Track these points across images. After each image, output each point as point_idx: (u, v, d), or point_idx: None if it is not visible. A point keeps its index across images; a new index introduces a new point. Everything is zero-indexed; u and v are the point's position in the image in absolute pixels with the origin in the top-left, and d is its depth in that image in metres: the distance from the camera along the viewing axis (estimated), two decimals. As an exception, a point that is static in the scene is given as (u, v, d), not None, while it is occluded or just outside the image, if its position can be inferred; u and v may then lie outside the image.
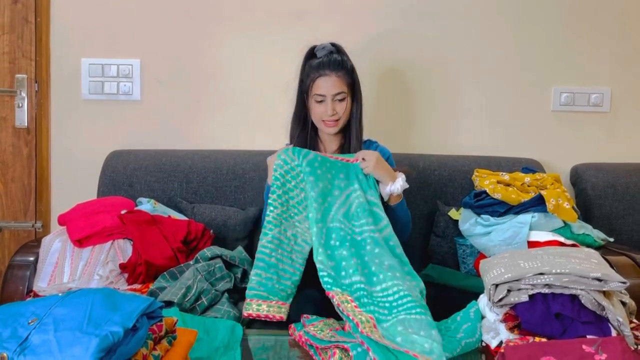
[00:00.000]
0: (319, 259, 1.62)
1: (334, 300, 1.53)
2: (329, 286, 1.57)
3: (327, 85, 1.83)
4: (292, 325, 1.55)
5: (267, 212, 1.73)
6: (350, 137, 1.91)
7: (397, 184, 1.77)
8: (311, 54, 1.90)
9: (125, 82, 2.45)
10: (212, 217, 2.17)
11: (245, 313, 1.60)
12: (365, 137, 1.97)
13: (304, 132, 1.92)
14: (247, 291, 1.64)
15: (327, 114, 1.84)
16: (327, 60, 1.85)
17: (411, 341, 1.37)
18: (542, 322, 1.34)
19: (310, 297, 1.74)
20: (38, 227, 2.49)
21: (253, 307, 1.60)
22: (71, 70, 2.45)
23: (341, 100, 1.85)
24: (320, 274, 1.60)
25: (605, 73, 2.47)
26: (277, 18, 2.44)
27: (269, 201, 1.74)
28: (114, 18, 2.44)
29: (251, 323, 1.72)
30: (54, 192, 2.50)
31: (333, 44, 1.90)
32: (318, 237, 1.66)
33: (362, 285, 1.56)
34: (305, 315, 1.58)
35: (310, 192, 1.72)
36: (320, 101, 1.85)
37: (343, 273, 1.61)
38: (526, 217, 1.93)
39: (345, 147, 1.93)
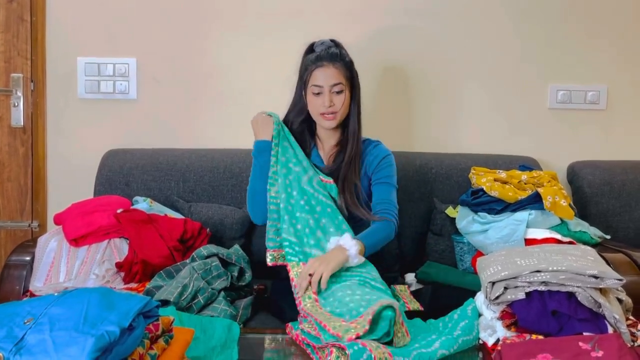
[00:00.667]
0: (284, 226, 1.77)
1: (290, 274, 1.69)
2: (289, 257, 1.76)
3: (325, 75, 1.82)
4: (289, 324, 1.55)
5: (271, 164, 1.83)
6: (348, 133, 1.90)
7: (352, 261, 1.68)
8: (310, 49, 1.91)
9: (121, 81, 2.45)
10: (208, 216, 2.17)
11: (270, 263, 1.79)
12: (365, 135, 1.95)
13: (301, 124, 1.92)
14: (267, 242, 1.81)
15: (324, 105, 1.82)
16: (325, 53, 1.85)
17: (345, 304, 1.45)
18: (539, 320, 1.34)
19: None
20: (34, 226, 2.48)
21: (276, 257, 1.80)
22: (67, 69, 2.44)
23: (339, 92, 1.83)
24: (283, 243, 1.77)
25: (601, 71, 2.48)
26: (275, 17, 2.43)
27: (271, 156, 1.85)
28: (110, 17, 2.43)
29: (248, 322, 1.72)
30: (50, 191, 2.50)
31: (332, 40, 1.90)
32: (286, 202, 1.80)
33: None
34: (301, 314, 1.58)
35: (280, 157, 1.85)
36: (318, 93, 1.84)
37: (305, 240, 1.76)
38: (523, 215, 1.93)
39: (343, 143, 1.92)
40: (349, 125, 1.90)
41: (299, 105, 1.92)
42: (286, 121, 1.94)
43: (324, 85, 1.83)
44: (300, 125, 1.93)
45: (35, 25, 2.42)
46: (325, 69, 1.83)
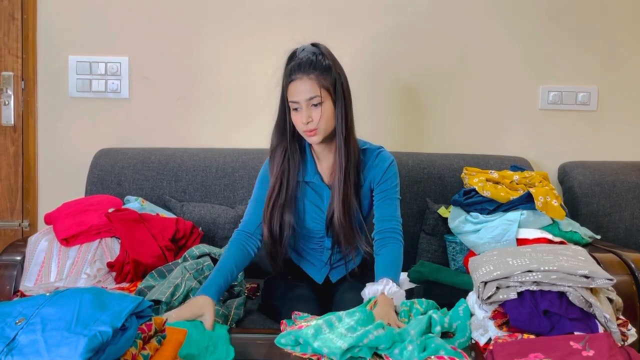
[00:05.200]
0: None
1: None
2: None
3: (299, 90, 1.64)
4: (284, 321, 1.55)
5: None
6: (339, 145, 1.70)
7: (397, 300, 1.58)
8: (292, 57, 1.72)
9: (113, 80, 2.43)
10: (201, 216, 2.16)
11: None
12: (365, 139, 1.82)
13: (289, 146, 1.74)
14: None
15: (303, 122, 1.65)
16: (299, 62, 1.66)
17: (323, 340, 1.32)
18: (530, 319, 1.35)
19: (301, 296, 1.74)
20: (25, 226, 2.46)
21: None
22: (58, 67, 2.43)
23: (316, 105, 1.64)
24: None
25: (592, 72, 2.49)
26: (267, 15, 2.43)
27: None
28: (102, 15, 2.42)
29: (240, 321, 1.72)
30: (41, 190, 2.48)
31: (313, 44, 1.72)
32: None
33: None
34: (296, 312, 1.58)
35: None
36: (296, 109, 1.66)
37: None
38: (515, 215, 1.94)
39: (340, 156, 1.73)
40: (338, 137, 1.70)
41: (280, 124, 1.74)
42: (272, 145, 1.76)
43: (300, 101, 1.64)
44: (286, 142, 1.73)
45: (26, 23, 2.40)
46: (299, 82, 1.64)
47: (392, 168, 1.78)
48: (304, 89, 1.64)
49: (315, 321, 1.43)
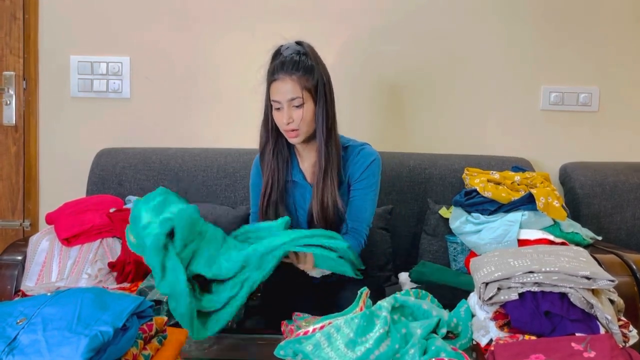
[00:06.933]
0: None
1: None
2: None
3: (280, 90, 1.66)
4: (285, 322, 1.55)
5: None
6: (320, 146, 1.70)
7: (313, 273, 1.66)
8: (276, 54, 1.73)
9: (114, 80, 2.44)
10: (202, 216, 2.14)
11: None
12: (354, 137, 1.83)
13: (276, 144, 1.75)
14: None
15: (283, 122, 1.67)
16: (282, 61, 1.67)
17: None
18: (532, 320, 1.34)
19: (302, 296, 1.74)
20: (26, 225, 2.47)
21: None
22: (60, 67, 2.43)
23: (297, 106, 1.66)
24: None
25: (593, 73, 2.49)
26: (267, 15, 2.43)
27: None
28: (104, 15, 2.42)
29: (241, 323, 1.72)
30: (42, 190, 2.48)
31: (298, 42, 1.72)
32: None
33: None
34: (296, 313, 1.58)
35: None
36: (278, 108, 1.68)
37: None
38: (516, 216, 1.94)
39: (320, 157, 1.73)
40: (320, 136, 1.71)
41: (265, 120, 1.75)
42: (260, 140, 1.77)
43: (281, 101, 1.66)
44: (274, 140, 1.75)
45: (27, 23, 2.40)
46: (281, 82, 1.65)
47: (373, 166, 1.76)
48: (286, 89, 1.65)
49: (312, 326, 1.42)
